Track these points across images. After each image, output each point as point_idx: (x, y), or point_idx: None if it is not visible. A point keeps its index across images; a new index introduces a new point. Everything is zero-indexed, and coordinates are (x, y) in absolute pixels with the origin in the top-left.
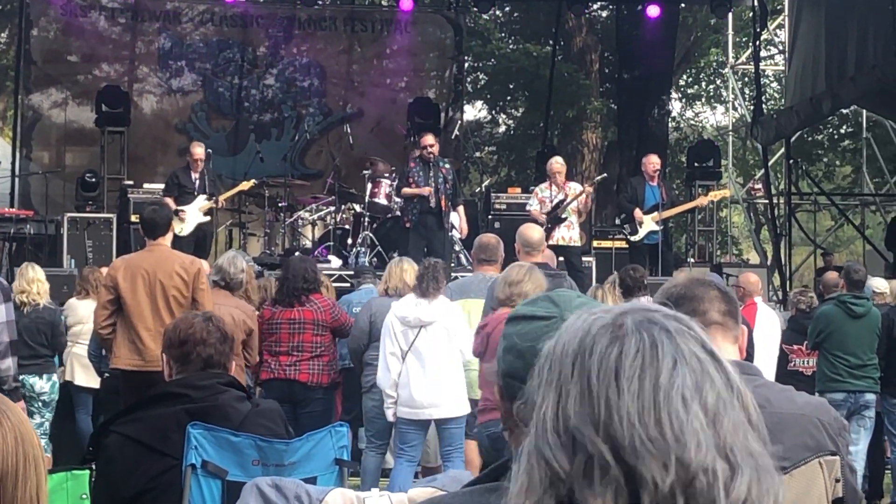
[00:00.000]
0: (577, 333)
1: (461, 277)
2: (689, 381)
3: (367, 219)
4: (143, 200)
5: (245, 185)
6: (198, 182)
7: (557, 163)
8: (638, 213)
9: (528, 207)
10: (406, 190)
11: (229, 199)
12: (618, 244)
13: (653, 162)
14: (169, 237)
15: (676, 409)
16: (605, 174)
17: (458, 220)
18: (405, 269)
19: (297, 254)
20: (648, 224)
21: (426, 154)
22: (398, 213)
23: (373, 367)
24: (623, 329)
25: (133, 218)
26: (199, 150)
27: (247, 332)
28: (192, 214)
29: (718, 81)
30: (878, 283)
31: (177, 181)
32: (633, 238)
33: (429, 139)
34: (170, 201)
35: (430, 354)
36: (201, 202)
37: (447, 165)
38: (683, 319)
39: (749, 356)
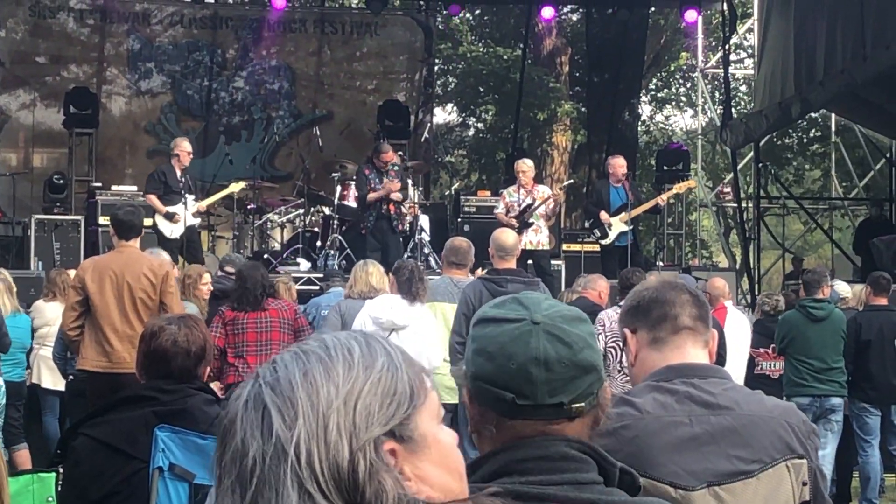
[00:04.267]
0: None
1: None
2: (240, 449)
3: (336, 221)
4: (112, 202)
5: (235, 188)
6: (183, 181)
7: (525, 165)
8: (604, 215)
9: (495, 211)
10: (372, 195)
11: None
12: (587, 247)
13: (620, 164)
14: (138, 240)
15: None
16: (573, 180)
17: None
18: (370, 272)
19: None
20: (618, 225)
21: (382, 165)
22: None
23: None
24: (229, 403)
25: (101, 220)
26: (187, 144)
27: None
28: (183, 217)
29: (688, 85)
30: (841, 288)
31: (163, 179)
32: (604, 241)
33: (392, 156)
34: (155, 200)
35: None
36: (191, 204)
37: (396, 168)
38: (273, 371)
39: (721, 359)
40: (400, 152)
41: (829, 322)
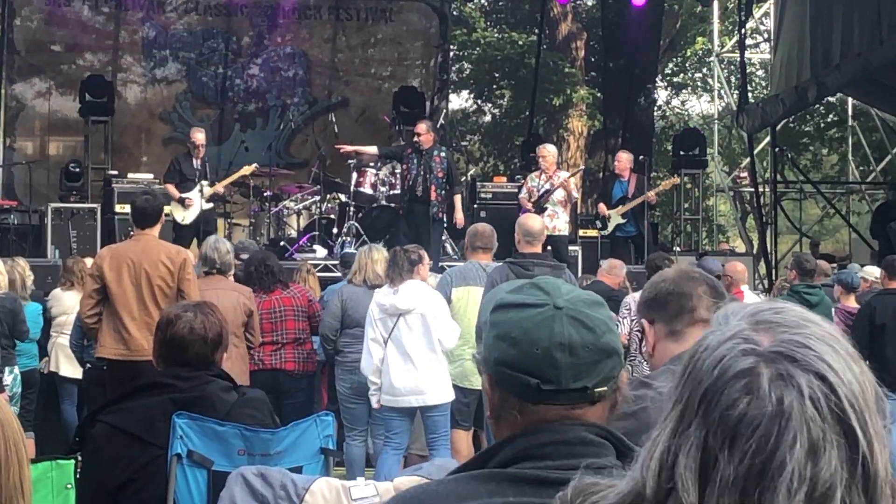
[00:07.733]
0: (716, 362)
1: (448, 267)
2: (800, 465)
3: (352, 208)
4: (128, 190)
5: (247, 170)
6: (199, 169)
7: (546, 150)
8: (601, 207)
9: (518, 195)
10: (354, 148)
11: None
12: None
13: (619, 159)
14: (157, 228)
15: (776, 500)
16: (582, 167)
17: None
18: (375, 259)
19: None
20: (615, 218)
21: (415, 142)
22: (384, 201)
23: (344, 354)
24: (757, 381)
25: (118, 208)
26: (200, 136)
27: (247, 314)
28: (196, 202)
29: (704, 70)
30: (869, 270)
31: (178, 168)
32: (603, 232)
33: (419, 128)
34: (171, 188)
35: (408, 342)
36: (204, 189)
37: (442, 153)
38: (828, 364)
39: None
40: (415, 140)
41: (820, 308)
